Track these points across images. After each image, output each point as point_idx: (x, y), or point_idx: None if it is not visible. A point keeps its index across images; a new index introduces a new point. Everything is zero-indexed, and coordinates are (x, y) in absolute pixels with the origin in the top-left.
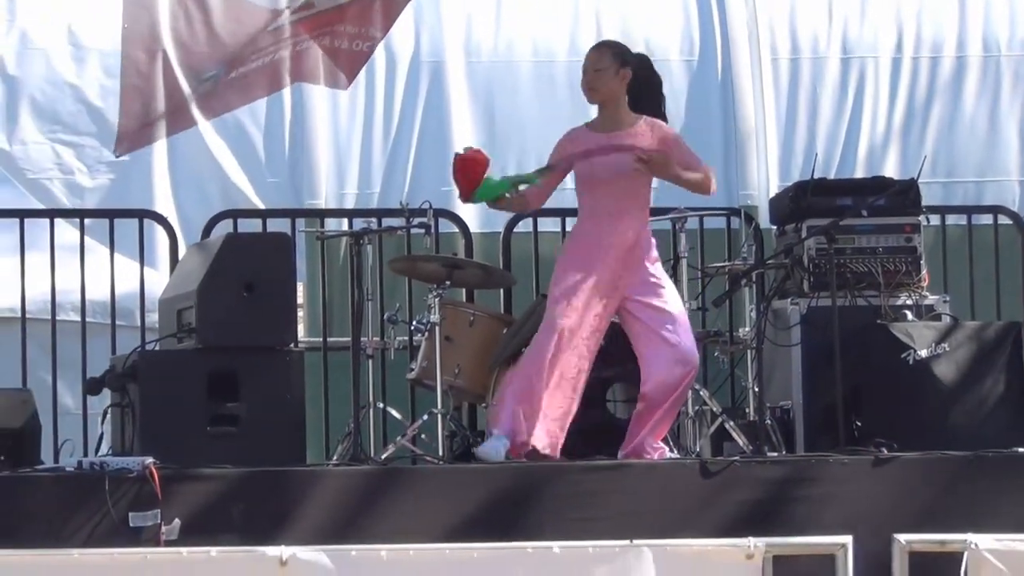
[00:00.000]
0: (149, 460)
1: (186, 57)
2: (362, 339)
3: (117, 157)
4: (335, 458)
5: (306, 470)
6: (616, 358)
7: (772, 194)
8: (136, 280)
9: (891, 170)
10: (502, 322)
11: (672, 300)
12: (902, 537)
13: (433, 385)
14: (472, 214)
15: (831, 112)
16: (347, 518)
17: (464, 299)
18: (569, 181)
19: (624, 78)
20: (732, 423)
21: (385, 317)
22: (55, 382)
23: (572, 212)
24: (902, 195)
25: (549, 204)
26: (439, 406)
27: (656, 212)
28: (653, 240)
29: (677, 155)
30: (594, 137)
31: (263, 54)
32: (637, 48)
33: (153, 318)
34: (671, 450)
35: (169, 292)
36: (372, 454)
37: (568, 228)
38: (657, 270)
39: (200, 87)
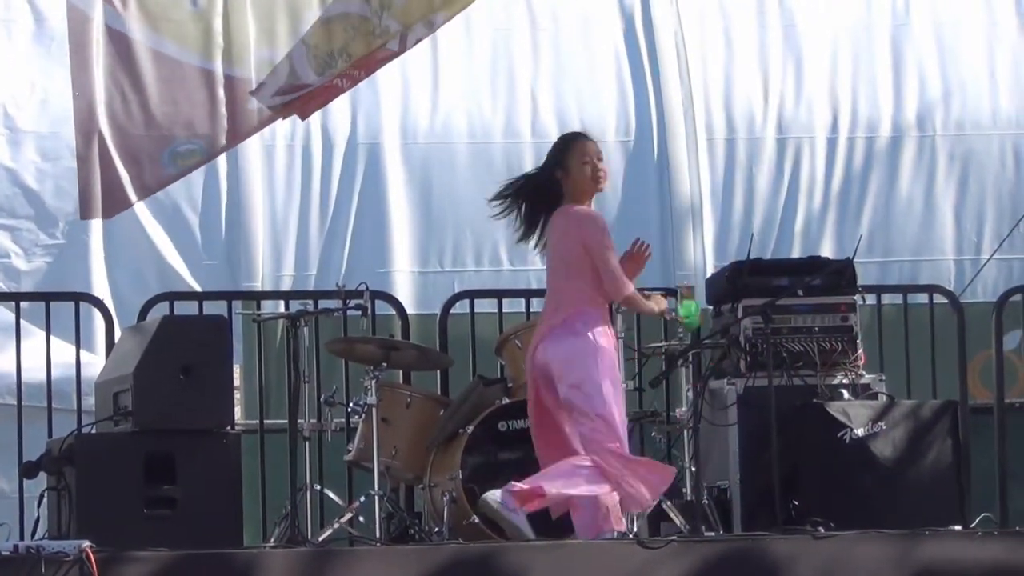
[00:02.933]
0: (86, 543)
1: (122, 140)
2: (299, 421)
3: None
4: (272, 540)
5: (243, 552)
6: None
7: (708, 274)
8: (72, 363)
9: (827, 250)
10: (439, 403)
11: None
12: None
13: (370, 467)
14: (408, 296)
15: (767, 192)
16: None
17: (401, 381)
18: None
19: None
20: (669, 503)
21: (322, 399)
22: None
23: (508, 293)
24: (838, 275)
25: (487, 284)
26: (376, 487)
27: None
28: None
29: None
30: None
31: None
32: (574, 128)
33: (89, 401)
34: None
35: (105, 375)
36: (309, 536)
37: (505, 309)
38: None
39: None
